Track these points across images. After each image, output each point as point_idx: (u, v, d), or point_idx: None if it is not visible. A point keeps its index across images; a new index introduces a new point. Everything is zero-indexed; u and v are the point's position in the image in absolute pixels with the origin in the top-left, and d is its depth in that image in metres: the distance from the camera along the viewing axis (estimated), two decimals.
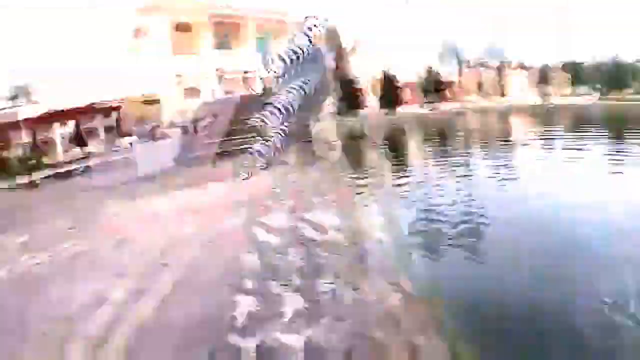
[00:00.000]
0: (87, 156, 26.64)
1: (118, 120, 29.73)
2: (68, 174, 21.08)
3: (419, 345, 3.81)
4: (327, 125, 15.56)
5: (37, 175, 21.57)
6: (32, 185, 19.51)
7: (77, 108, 30.65)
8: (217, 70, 29.75)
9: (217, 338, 4.00)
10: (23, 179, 20.22)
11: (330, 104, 17.06)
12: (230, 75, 30.63)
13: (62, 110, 29.49)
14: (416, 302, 4.62)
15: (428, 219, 8.19)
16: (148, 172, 14.43)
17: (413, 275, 5.39)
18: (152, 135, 18.18)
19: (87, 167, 21.55)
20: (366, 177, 12.52)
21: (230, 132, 16.72)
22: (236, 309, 4.44)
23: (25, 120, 29.01)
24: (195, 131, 17.28)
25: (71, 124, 29.99)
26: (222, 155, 15.16)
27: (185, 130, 18.33)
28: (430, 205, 9.06)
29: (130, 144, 23.08)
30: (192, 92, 29.27)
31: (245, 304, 4.51)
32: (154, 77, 28.80)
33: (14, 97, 34.16)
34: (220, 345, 3.88)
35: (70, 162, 25.93)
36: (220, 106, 18.62)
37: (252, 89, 27.12)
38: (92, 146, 28.46)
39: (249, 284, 5.03)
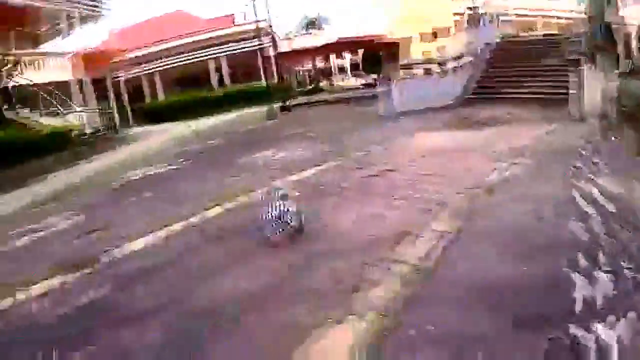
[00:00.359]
0: (361, 86, 28.88)
1: (394, 54, 31.03)
2: (339, 100, 23.30)
3: None
4: (614, 84, 13.28)
5: (314, 98, 24.61)
6: (308, 105, 22.50)
7: (356, 40, 32.91)
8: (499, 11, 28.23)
9: (553, 324, 2.85)
10: (302, 100, 23.40)
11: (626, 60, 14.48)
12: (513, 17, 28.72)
13: (341, 42, 32.09)
14: None
15: None
16: (410, 107, 14.40)
17: None
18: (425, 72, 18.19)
19: (362, 95, 23.08)
20: None
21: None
22: (575, 290, 3.28)
23: (308, 49, 32.48)
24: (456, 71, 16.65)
25: (347, 56, 32.68)
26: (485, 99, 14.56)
27: (444, 70, 17.91)
28: None
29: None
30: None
31: (582, 286, 3.33)
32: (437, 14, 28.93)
33: (301, 28, 38.05)
34: (557, 336, 2.74)
35: (345, 90, 28.49)
36: (489, 49, 17.57)
37: None
38: (365, 78, 30.49)
39: (581, 260, 3.70)
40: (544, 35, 24.33)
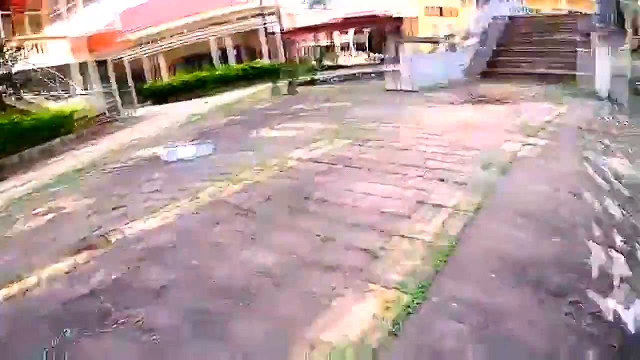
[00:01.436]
0: (365, 62, 28.54)
1: (400, 31, 30.65)
2: (352, 76, 23.40)
3: None
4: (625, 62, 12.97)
5: (321, 75, 24.70)
6: (316, 83, 22.58)
7: (361, 17, 32.41)
8: None
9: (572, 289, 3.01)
10: (309, 77, 23.48)
11: None
12: None
13: (346, 19, 31.62)
14: None
15: None
16: (419, 83, 14.12)
17: None
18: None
19: (369, 72, 23.10)
20: None
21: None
22: (591, 258, 3.38)
23: (313, 26, 32.10)
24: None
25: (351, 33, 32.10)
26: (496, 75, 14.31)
27: (452, 47, 17.43)
28: None
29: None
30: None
31: (600, 256, 3.41)
32: None
33: (307, 6, 37.51)
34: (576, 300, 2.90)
35: (354, 66, 28.39)
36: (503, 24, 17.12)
37: None
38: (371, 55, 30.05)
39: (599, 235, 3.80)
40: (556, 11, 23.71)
